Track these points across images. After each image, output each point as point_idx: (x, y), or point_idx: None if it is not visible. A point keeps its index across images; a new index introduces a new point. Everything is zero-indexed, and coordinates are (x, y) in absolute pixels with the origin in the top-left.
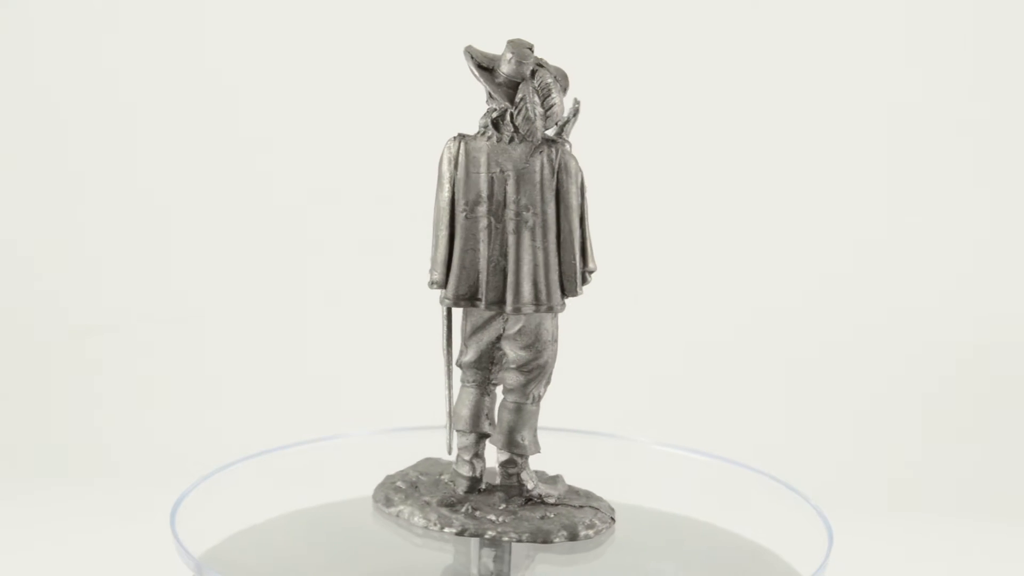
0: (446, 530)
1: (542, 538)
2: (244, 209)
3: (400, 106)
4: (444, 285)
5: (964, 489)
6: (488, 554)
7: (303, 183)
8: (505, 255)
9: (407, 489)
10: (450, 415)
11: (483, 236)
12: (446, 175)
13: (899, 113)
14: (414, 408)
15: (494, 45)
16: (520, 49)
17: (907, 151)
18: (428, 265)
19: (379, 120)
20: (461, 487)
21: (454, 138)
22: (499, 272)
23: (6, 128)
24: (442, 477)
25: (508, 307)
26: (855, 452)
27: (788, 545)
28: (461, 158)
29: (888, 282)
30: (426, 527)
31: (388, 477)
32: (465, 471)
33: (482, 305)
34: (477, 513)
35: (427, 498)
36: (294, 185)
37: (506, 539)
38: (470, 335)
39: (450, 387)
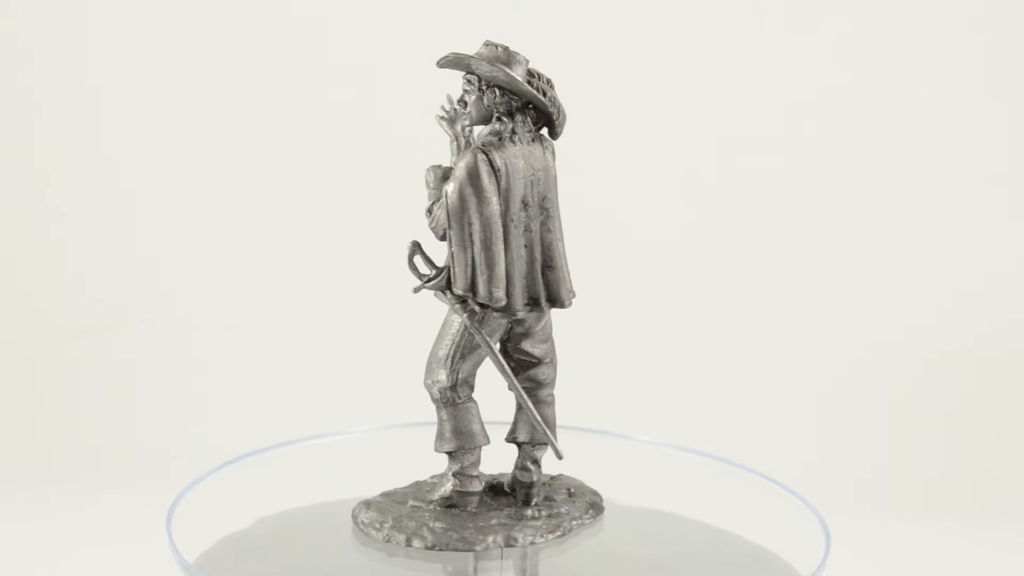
0: (549, 537)
1: (599, 512)
2: (238, 209)
3: (394, 106)
4: (508, 299)
5: (962, 489)
6: (509, 555)
7: (298, 183)
8: (544, 253)
9: (429, 534)
10: (546, 424)
11: (527, 240)
12: (490, 188)
13: (878, 108)
14: (407, 405)
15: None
16: (509, 49)
17: (910, 156)
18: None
19: (375, 121)
20: (471, 504)
21: (486, 149)
22: (543, 271)
23: (3, 128)
24: (426, 504)
25: (559, 304)
26: (854, 453)
27: (786, 546)
28: (502, 167)
29: (888, 285)
30: (529, 543)
31: (374, 534)
32: (475, 487)
33: (543, 307)
34: (543, 512)
35: (472, 524)
36: (289, 185)
37: (577, 524)
38: (475, 347)
39: (524, 396)
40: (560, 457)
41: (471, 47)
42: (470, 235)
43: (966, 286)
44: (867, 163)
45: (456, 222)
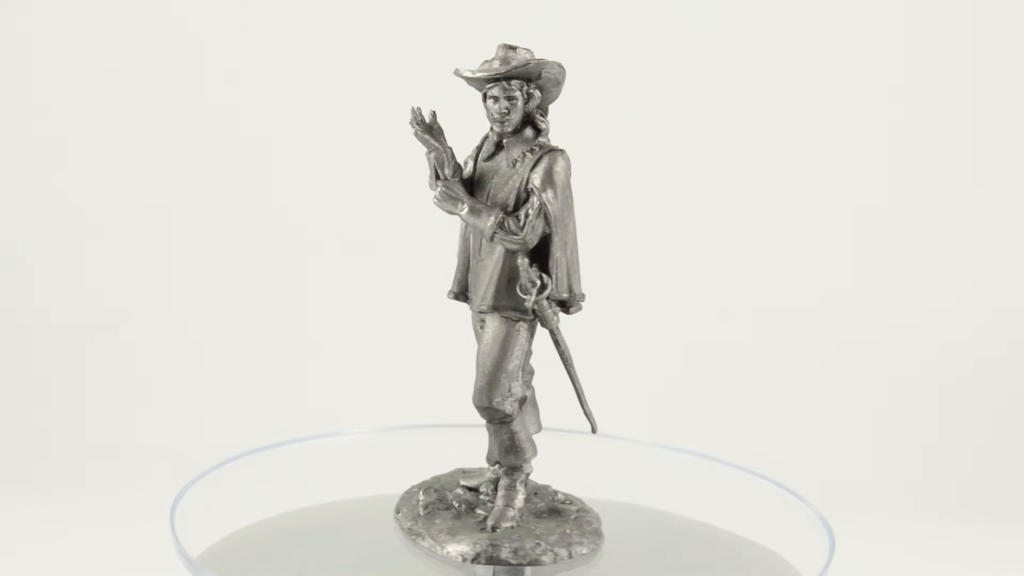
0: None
1: None
2: (242, 208)
3: (397, 105)
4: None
5: (965, 490)
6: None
7: (302, 182)
8: None
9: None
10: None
11: None
12: (571, 189)
13: (900, 115)
14: (412, 406)
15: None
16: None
17: (908, 153)
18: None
19: (378, 120)
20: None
21: (565, 152)
22: None
23: (5, 128)
24: (509, 520)
25: None
26: (855, 454)
27: (791, 549)
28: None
29: (888, 285)
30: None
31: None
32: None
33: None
34: (572, 505)
35: (560, 530)
36: (293, 184)
37: None
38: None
39: (582, 387)
40: (595, 430)
41: (464, 52)
42: (565, 238)
43: (967, 288)
44: (892, 165)
45: (559, 226)
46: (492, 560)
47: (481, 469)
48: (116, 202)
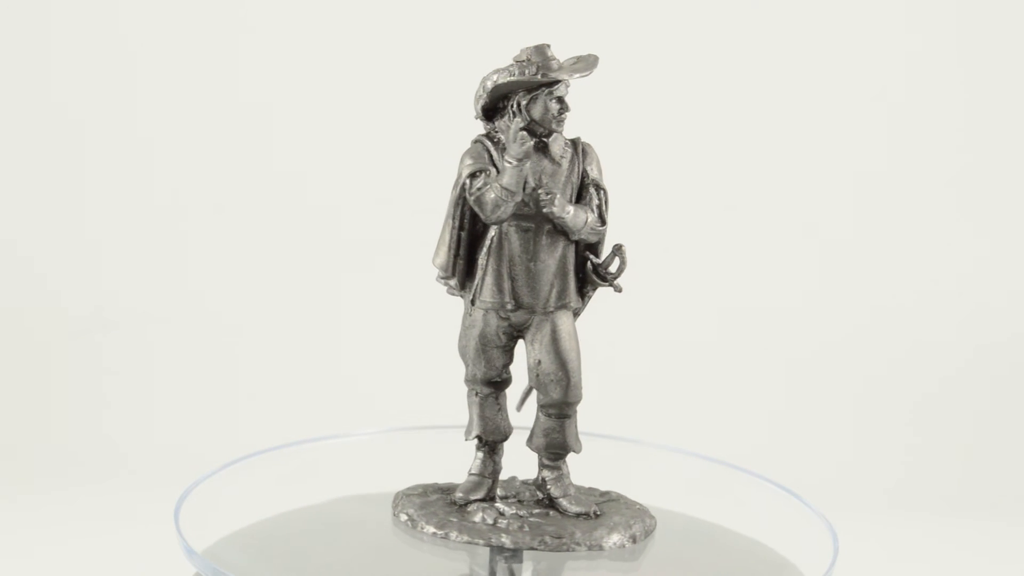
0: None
1: None
2: (249, 208)
3: (406, 105)
4: None
5: (965, 489)
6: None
7: (309, 182)
8: None
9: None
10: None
11: None
12: None
13: (893, 112)
14: (416, 408)
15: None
16: None
17: (900, 149)
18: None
19: (386, 120)
20: None
21: None
22: None
23: (12, 125)
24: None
25: None
26: (856, 453)
27: (792, 550)
28: None
29: (887, 282)
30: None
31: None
32: None
33: None
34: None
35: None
36: (300, 184)
37: None
38: None
39: None
40: (519, 409)
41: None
42: None
43: (965, 286)
44: (883, 161)
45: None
46: (647, 534)
47: (474, 480)
48: (120, 200)
